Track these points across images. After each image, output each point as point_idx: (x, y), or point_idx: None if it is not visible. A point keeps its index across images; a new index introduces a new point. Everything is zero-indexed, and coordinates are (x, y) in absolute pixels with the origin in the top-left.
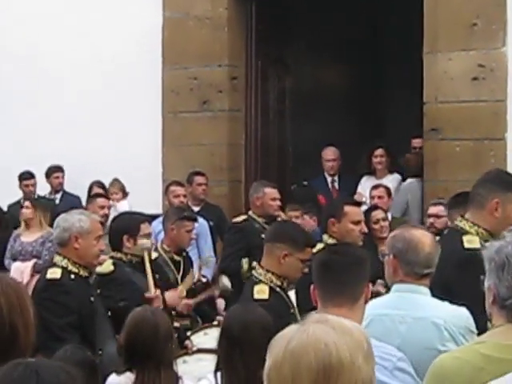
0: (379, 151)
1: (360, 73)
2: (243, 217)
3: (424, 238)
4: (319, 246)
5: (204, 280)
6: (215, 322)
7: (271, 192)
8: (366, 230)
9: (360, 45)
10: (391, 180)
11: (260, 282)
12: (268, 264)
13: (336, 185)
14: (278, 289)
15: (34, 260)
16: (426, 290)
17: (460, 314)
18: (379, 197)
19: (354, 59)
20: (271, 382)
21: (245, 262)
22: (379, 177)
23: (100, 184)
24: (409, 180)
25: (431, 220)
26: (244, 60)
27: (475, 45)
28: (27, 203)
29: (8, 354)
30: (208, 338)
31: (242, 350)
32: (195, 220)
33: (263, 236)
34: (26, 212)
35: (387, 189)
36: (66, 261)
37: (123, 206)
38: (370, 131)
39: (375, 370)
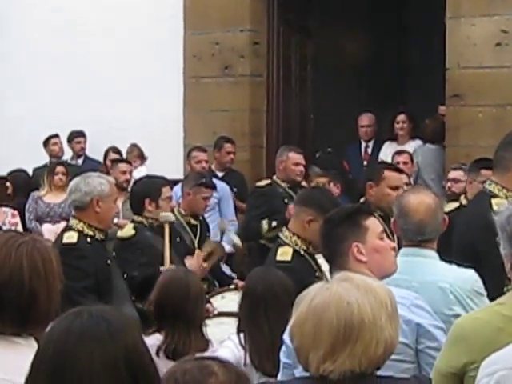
0: (401, 117)
1: (382, 39)
2: (267, 181)
3: (418, 206)
4: None
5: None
6: (232, 286)
7: (294, 157)
8: None
9: (383, 11)
10: (413, 146)
11: (285, 244)
12: (294, 227)
13: (369, 150)
14: (302, 252)
15: (64, 222)
16: (433, 254)
17: (466, 277)
18: (404, 163)
19: (376, 26)
20: (294, 338)
21: (265, 222)
22: (401, 143)
23: (116, 150)
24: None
25: (449, 184)
26: (266, 25)
27: (498, 10)
28: (62, 169)
29: (26, 319)
30: (225, 301)
31: (265, 309)
32: (213, 188)
33: (286, 201)
34: (63, 178)
35: (411, 155)
36: (81, 224)
37: (140, 173)
38: (392, 97)
39: None
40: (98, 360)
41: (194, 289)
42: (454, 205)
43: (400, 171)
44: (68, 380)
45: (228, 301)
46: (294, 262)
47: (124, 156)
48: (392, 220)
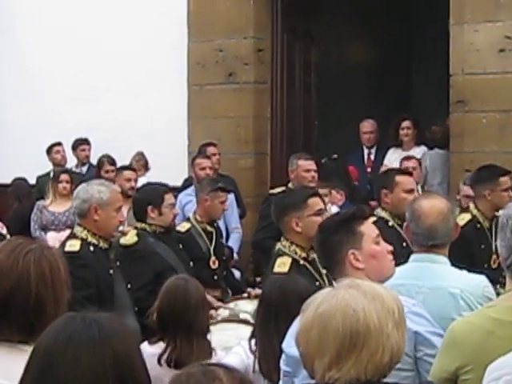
0: (406, 123)
1: (386, 46)
2: (281, 189)
3: (430, 210)
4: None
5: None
6: (245, 295)
7: (304, 164)
8: None
9: (387, 18)
10: (418, 152)
11: (284, 254)
12: (290, 237)
13: (372, 157)
14: (302, 261)
15: (69, 230)
16: (444, 259)
17: (477, 283)
18: (413, 168)
19: (380, 32)
20: (300, 345)
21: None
22: (406, 149)
23: (110, 159)
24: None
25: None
26: (270, 32)
27: (502, 16)
28: (66, 177)
29: (33, 327)
30: (237, 309)
31: (276, 317)
32: (228, 191)
33: None
34: (67, 186)
35: (419, 160)
36: (85, 232)
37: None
38: (396, 104)
39: None
40: (85, 363)
41: (195, 296)
42: (467, 217)
43: (410, 174)
44: (53, 380)
45: (239, 310)
46: (291, 273)
47: (119, 165)
48: (404, 224)
